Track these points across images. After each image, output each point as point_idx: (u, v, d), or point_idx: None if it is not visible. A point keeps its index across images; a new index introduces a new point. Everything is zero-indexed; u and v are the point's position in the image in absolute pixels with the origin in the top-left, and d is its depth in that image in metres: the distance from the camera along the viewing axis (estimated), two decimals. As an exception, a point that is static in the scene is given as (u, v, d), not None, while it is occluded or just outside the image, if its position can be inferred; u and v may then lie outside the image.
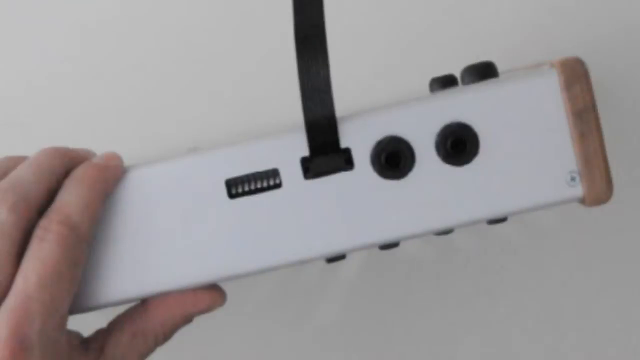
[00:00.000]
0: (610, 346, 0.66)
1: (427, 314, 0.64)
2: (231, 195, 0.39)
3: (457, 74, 0.45)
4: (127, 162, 0.41)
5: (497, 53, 0.63)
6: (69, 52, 0.63)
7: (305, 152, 0.39)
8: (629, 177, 0.59)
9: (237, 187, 0.39)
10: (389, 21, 0.63)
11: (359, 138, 0.39)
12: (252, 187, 0.39)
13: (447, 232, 0.42)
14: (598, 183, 0.38)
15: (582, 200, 0.39)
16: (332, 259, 0.41)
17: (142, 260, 0.39)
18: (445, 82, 0.46)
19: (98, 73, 0.63)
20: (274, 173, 0.39)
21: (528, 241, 0.65)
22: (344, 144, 0.39)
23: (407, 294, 0.64)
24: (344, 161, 0.39)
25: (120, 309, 0.41)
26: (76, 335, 0.40)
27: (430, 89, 0.47)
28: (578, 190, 0.39)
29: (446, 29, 0.63)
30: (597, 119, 0.38)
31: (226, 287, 0.42)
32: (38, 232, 0.37)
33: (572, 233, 0.65)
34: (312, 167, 0.39)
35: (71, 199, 0.38)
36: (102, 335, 0.41)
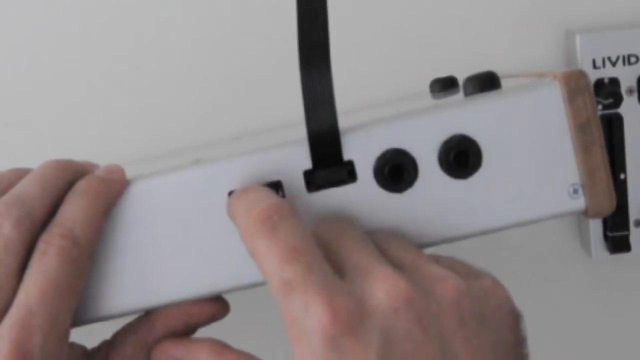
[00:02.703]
0: (608, 344, 0.67)
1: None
2: None
3: (457, 74, 0.45)
4: (126, 159, 0.41)
5: (498, 53, 0.63)
6: (69, 53, 0.63)
7: (308, 165, 0.38)
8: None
9: None
10: (389, 20, 0.63)
11: (362, 150, 0.38)
12: None
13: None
14: (601, 195, 0.38)
15: (585, 212, 0.39)
16: None
17: (145, 272, 0.39)
18: (445, 84, 0.45)
19: (98, 74, 0.63)
20: (277, 185, 0.39)
21: (527, 239, 0.65)
22: (346, 156, 0.38)
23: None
24: (347, 174, 0.38)
25: (124, 321, 0.41)
26: (80, 347, 0.40)
27: (430, 90, 0.47)
28: (581, 202, 0.38)
29: (446, 30, 0.63)
30: (599, 131, 0.38)
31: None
32: (40, 246, 0.37)
33: (571, 232, 0.65)
34: (314, 180, 0.39)
35: (73, 212, 0.38)
36: (106, 347, 0.41)
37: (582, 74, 0.38)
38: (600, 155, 0.38)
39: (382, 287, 0.32)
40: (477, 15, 0.63)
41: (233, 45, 0.63)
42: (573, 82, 0.38)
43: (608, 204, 0.38)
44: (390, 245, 0.36)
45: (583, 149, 0.38)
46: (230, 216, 0.37)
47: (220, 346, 0.39)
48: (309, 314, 0.31)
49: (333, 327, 0.31)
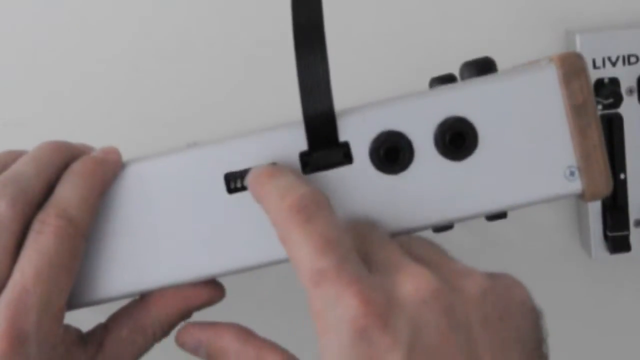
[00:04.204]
0: (608, 344, 0.66)
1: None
2: (230, 190, 0.39)
3: (457, 73, 0.45)
4: (125, 157, 0.41)
5: (498, 53, 0.63)
6: (68, 51, 0.63)
7: (304, 147, 0.39)
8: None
9: (236, 182, 0.39)
10: (389, 20, 0.63)
11: (357, 132, 0.39)
12: None
13: (446, 228, 0.42)
14: (597, 178, 0.38)
15: (581, 195, 0.39)
16: None
17: (141, 254, 0.39)
18: (444, 82, 0.45)
19: (97, 71, 0.63)
20: None
21: (527, 239, 0.65)
22: (342, 138, 0.39)
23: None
24: (343, 156, 0.39)
25: (120, 304, 0.41)
26: (75, 330, 0.40)
27: (430, 88, 0.47)
28: (577, 185, 0.38)
29: (446, 30, 0.63)
30: (595, 113, 0.38)
31: (226, 280, 0.41)
32: (36, 226, 0.37)
33: (571, 232, 0.65)
34: (310, 162, 0.39)
35: (69, 192, 0.38)
36: (101, 330, 0.41)
37: (578, 57, 0.38)
38: (596, 137, 0.38)
39: (411, 281, 0.33)
40: (476, 15, 0.63)
41: (231, 42, 0.63)
42: (569, 64, 0.38)
43: (604, 186, 0.38)
44: (413, 245, 0.37)
45: (579, 131, 0.38)
46: (257, 198, 0.37)
47: (246, 332, 0.39)
48: (340, 305, 0.32)
49: (364, 319, 0.31)
